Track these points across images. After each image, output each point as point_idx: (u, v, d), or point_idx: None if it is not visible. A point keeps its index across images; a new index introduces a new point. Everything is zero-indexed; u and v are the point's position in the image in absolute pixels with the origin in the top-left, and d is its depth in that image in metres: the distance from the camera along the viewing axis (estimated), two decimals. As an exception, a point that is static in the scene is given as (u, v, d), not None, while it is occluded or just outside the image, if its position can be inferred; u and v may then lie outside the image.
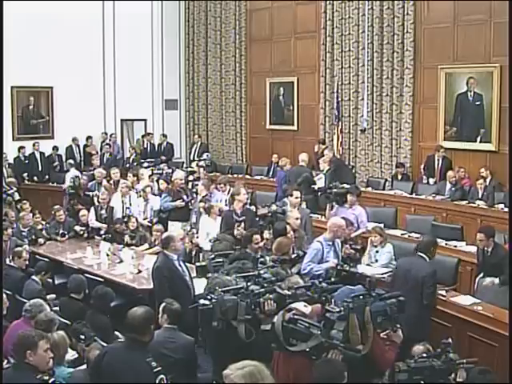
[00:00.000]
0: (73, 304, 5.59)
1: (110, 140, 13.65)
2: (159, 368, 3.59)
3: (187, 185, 9.12)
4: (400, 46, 11.07)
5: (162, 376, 3.58)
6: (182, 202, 8.60)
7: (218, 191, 8.93)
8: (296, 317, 3.50)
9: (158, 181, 10.13)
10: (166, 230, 7.88)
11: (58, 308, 5.69)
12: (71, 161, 12.37)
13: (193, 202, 8.71)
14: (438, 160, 10.44)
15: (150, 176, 10.35)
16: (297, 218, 6.56)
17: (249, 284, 4.02)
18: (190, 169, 10.21)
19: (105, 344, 4.36)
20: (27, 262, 6.58)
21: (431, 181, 10.47)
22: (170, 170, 10.47)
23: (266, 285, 4.04)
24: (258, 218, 6.77)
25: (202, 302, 3.94)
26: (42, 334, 3.85)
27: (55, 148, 12.92)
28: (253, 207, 8.12)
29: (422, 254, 5.48)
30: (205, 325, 4.05)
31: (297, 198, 7.33)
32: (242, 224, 6.84)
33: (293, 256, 5.65)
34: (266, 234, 6.26)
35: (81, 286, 5.72)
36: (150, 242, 7.97)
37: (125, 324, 3.83)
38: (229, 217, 7.23)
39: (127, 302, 5.70)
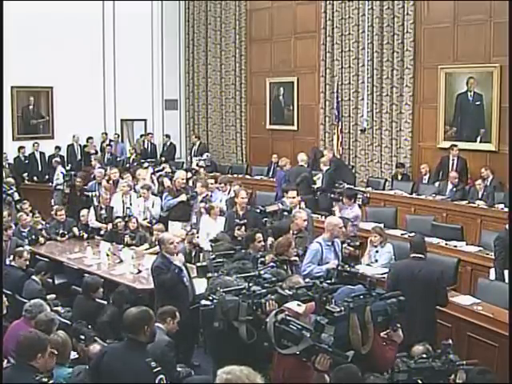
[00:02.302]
0: (88, 303, 5.63)
1: (113, 140, 13.66)
2: (159, 368, 3.59)
3: (188, 184, 9.13)
4: (400, 46, 11.07)
5: (161, 376, 3.58)
6: (184, 196, 8.58)
7: (218, 191, 8.93)
8: (288, 318, 3.46)
9: (158, 180, 10.13)
10: (166, 229, 7.88)
11: (60, 307, 5.72)
12: (57, 158, 12.37)
13: (194, 200, 8.71)
14: (453, 160, 10.26)
15: (151, 175, 10.35)
16: (304, 220, 6.53)
17: (250, 284, 4.01)
18: (190, 167, 10.20)
19: (105, 344, 4.37)
20: (28, 262, 6.60)
21: (436, 183, 10.17)
22: (170, 170, 10.46)
23: (266, 285, 4.04)
24: (265, 218, 6.75)
25: (203, 302, 3.94)
26: (47, 336, 3.88)
27: (57, 148, 12.90)
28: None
29: (419, 255, 5.26)
30: (206, 325, 4.05)
31: (292, 197, 7.33)
32: (243, 227, 6.79)
33: (293, 256, 5.63)
34: None
35: (97, 285, 5.79)
36: (150, 242, 7.97)
37: (122, 324, 3.86)
38: (231, 217, 7.24)
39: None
